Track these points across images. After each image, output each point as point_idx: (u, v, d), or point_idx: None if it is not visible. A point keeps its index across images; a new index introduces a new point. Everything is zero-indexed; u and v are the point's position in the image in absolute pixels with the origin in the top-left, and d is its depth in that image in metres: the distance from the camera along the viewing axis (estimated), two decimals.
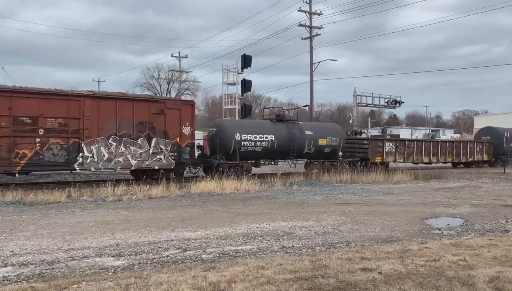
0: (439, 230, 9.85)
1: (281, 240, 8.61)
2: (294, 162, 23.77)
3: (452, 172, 28.01)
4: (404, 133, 73.41)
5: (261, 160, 23.01)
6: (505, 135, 33.15)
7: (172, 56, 53.58)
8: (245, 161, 21.71)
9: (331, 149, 24.71)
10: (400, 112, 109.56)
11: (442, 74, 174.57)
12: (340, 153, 25.53)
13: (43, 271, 6.32)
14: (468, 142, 33.73)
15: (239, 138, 21.40)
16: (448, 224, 10.57)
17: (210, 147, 21.95)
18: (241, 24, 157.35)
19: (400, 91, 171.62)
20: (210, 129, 23.27)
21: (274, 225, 10.09)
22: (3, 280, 5.87)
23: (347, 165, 25.45)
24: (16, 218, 10.83)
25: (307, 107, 38.04)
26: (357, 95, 33.41)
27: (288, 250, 7.71)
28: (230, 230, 9.48)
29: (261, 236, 8.89)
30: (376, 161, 26.43)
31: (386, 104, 34.95)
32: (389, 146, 27.56)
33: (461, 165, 33.54)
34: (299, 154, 23.52)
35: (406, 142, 29.03)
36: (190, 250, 7.70)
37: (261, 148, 22.21)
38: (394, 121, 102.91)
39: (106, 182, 16.09)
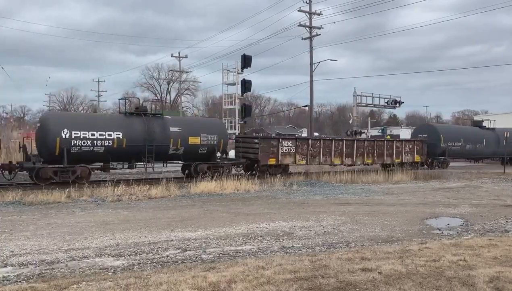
0: (439, 230, 9.85)
1: (281, 240, 8.61)
2: (152, 165, 19.76)
3: (452, 172, 27.98)
4: (404, 133, 73.36)
5: (111, 163, 18.96)
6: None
7: (172, 56, 53.62)
8: (80, 164, 17.58)
9: (207, 149, 20.59)
10: (400, 113, 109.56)
11: (442, 74, 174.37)
12: (219, 154, 21.25)
13: (43, 271, 6.32)
14: (395, 141, 28.52)
15: (67, 136, 17.18)
16: (448, 224, 10.57)
17: (37, 147, 18.17)
18: (241, 24, 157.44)
19: (400, 91, 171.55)
20: (37, 124, 19.53)
21: (274, 225, 10.09)
22: (3, 280, 5.87)
23: (234, 168, 22.32)
24: (16, 218, 10.83)
25: (307, 108, 38.06)
26: (357, 95, 33.44)
27: (288, 250, 7.72)
28: (230, 230, 9.48)
29: (261, 236, 8.89)
30: (269, 163, 22.37)
31: (386, 104, 34.98)
32: (286, 145, 23.17)
33: (393, 166, 27.54)
34: (161, 155, 19.61)
35: (310, 141, 24.44)
36: (190, 250, 7.70)
37: (103, 148, 17.98)
38: (394, 121, 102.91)
39: (106, 182, 16.10)
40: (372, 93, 33.97)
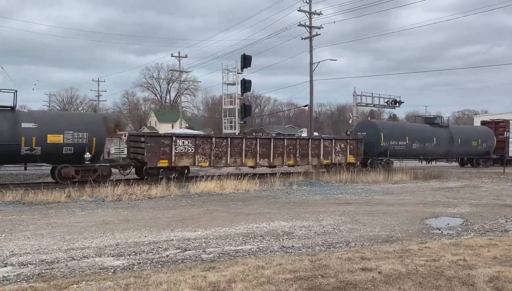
0: (439, 229, 9.85)
1: (281, 239, 8.61)
2: None
3: (452, 172, 27.98)
4: None
5: None
6: None
7: (172, 56, 53.55)
8: None
9: (75, 149, 17.31)
10: (400, 112, 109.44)
11: (442, 74, 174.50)
12: (88, 155, 17.50)
13: (43, 271, 6.32)
14: (322, 140, 24.97)
15: None
16: (448, 224, 10.57)
17: None
18: (241, 24, 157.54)
19: (400, 91, 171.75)
20: None
21: (273, 225, 10.09)
22: (3, 280, 5.87)
23: (121, 172, 19.46)
24: (15, 218, 10.82)
25: (307, 107, 38.07)
26: (357, 95, 33.42)
27: (287, 250, 7.72)
28: (229, 230, 9.48)
29: (260, 236, 8.89)
30: (160, 165, 19.20)
31: (386, 104, 34.97)
32: (182, 145, 19.87)
33: (321, 168, 24.88)
34: (10, 156, 16.53)
35: (214, 140, 21.02)
36: (189, 250, 7.70)
37: None
38: (394, 121, 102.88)
39: (106, 182, 16.11)
40: (372, 93, 33.97)
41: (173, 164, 19.55)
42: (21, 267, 6.57)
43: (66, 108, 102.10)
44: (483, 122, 38.07)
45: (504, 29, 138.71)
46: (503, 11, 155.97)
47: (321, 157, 24.33)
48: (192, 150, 20.15)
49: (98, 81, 74.13)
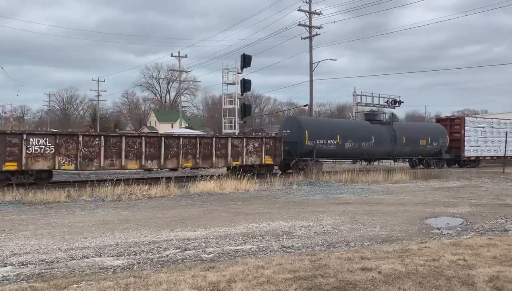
0: (439, 229, 9.86)
1: (281, 239, 8.61)
2: None
3: (452, 172, 27.96)
4: None
5: None
6: None
7: (171, 56, 53.60)
8: None
9: None
10: (400, 112, 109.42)
11: (440, 74, 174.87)
12: None
13: (43, 271, 6.32)
14: (230, 139, 21.87)
15: None
16: (448, 224, 10.57)
17: None
18: (241, 24, 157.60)
19: (399, 91, 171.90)
20: None
21: (273, 225, 10.09)
22: (3, 280, 5.87)
23: None
24: (15, 218, 10.82)
25: (306, 107, 38.05)
26: (357, 95, 33.42)
27: (287, 250, 7.72)
28: (229, 230, 9.48)
29: (260, 236, 8.89)
30: (7, 168, 16.10)
31: (385, 104, 34.94)
32: (38, 144, 16.66)
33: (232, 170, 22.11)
34: None
35: (82, 138, 17.67)
36: (189, 250, 7.70)
37: None
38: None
39: (106, 182, 16.11)
40: (372, 93, 33.99)
41: (24, 167, 16.43)
42: (21, 267, 6.57)
43: (66, 108, 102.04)
44: (438, 120, 35.55)
45: (504, 29, 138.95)
46: (502, 11, 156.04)
47: (229, 157, 21.58)
48: (51, 150, 16.97)
49: (98, 81, 74.21)
